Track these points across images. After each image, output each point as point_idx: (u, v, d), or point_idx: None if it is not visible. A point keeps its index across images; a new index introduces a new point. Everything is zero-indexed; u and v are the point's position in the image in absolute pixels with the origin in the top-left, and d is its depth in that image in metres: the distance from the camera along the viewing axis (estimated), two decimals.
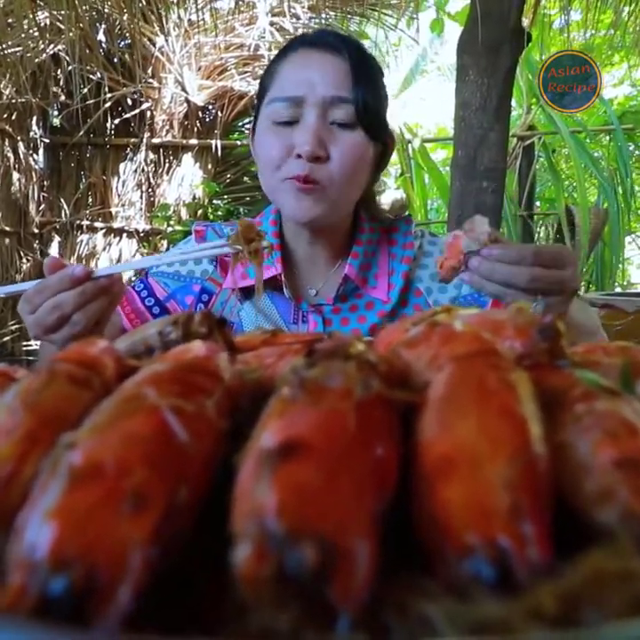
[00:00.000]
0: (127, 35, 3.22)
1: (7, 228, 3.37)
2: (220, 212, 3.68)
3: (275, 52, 3.41)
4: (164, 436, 0.20)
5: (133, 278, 3.59)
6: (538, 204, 4.09)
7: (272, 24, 3.31)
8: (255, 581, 0.15)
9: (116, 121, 3.46)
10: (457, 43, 2.13)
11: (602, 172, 3.45)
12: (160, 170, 3.67)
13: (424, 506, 0.19)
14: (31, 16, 2.83)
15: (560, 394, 0.26)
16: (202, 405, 0.22)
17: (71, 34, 2.82)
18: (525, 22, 2.38)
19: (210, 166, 3.74)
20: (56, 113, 3.54)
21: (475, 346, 0.25)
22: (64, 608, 0.15)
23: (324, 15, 3.13)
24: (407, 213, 1.07)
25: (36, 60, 3.09)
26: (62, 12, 2.80)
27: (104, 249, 3.64)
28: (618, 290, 3.79)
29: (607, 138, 3.73)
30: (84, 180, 3.62)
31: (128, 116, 3.40)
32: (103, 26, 3.15)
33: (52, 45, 3.11)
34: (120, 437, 0.19)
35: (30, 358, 3.45)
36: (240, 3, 3.19)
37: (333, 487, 0.17)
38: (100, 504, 0.17)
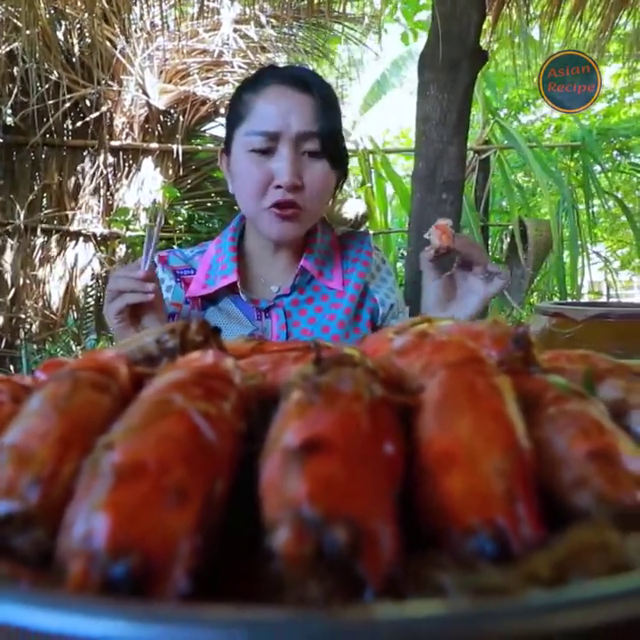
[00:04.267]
0: (87, 35, 3.17)
1: None
2: (180, 218, 3.65)
3: (239, 59, 3.44)
4: (195, 437, 0.22)
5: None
6: (499, 218, 4.24)
7: (236, 31, 3.33)
8: (297, 559, 0.17)
9: (77, 123, 3.39)
10: (418, 59, 2.20)
11: (563, 186, 3.59)
12: (119, 173, 3.62)
13: (429, 494, 0.21)
14: None
15: (535, 397, 0.29)
16: (222, 408, 0.25)
17: (28, 31, 2.75)
18: (483, 41, 2.48)
19: (170, 171, 3.71)
20: (9, 111, 3.43)
21: (463, 354, 0.28)
22: (125, 591, 0.17)
23: (288, 26, 3.16)
24: (365, 227, 1.22)
25: None
26: (19, 9, 2.73)
27: (59, 253, 3.55)
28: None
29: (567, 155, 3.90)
30: (39, 182, 3.52)
31: (88, 119, 3.33)
32: (63, 25, 3.08)
33: (6, 43, 3.02)
34: (156, 438, 0.21)
35: None
36: (204, 8, 3.19)
37: (356, 478, 0.20)
38: (146, 498, 0.19)
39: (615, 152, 4.05)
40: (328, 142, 0.91)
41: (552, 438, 0.25)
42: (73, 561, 0.18)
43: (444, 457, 0.22)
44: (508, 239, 3.84)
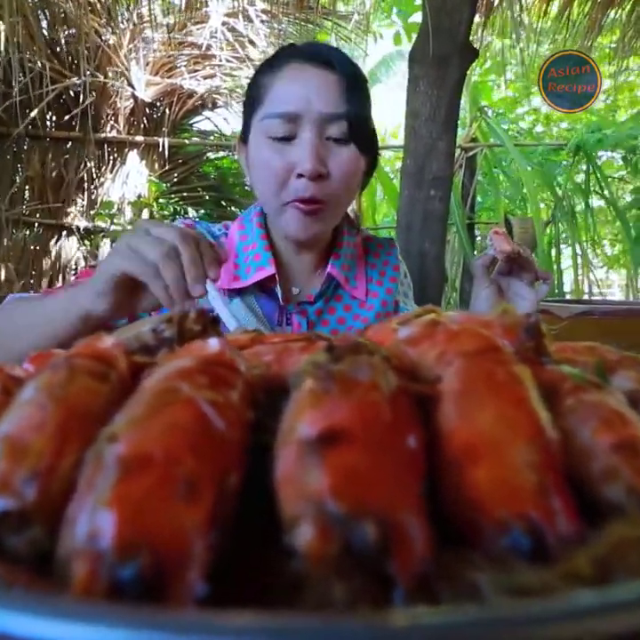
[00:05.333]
0: (72, 25, 3.10)
1: None
2: (166, 212, 3.60)
3: (227, 52, 3.40)
4: (204, 426, 0.20)
5: None
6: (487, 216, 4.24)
7: (224, 24, 3.29)
8: (322, 558, 0.16)
9: (61, 114, 3.33)
10: (408, 55, 2.19)
11: (554, 187, 3.60)
12: (104, 166, 3.56)
13: (455, 488, 0.20)
14: None
15: (553, 387, 0.28)
16: (229, 397, 0.23)
17: (11, 19, 2.69)
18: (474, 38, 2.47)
19: (156, 165, 3.66)
20: None
21: (480, 343, 0.27)
22: (135, 593, 0.15)
23: (277, 20, 3.14)
24: (376, 234, 1.14)
25: None
26: None
27: (42, 247, 3.48)
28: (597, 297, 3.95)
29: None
30: (21, 174, 3.45)
31: (75, 112, 3.27)
32: (47, 14, 3.02)
33: None
34: (162, 428, 0.20)
35: None
36: (192, 0, 3.14)
37: (380, 470, 0.18)
38: (155, 492, 0.18)
39: (615, 152, 4.07)
40: (356, 127, 0.80)
41: (575, 429, 0.24)
42: (77, 562, 0.16)
43: (468, 448, 0.21)
44: None
